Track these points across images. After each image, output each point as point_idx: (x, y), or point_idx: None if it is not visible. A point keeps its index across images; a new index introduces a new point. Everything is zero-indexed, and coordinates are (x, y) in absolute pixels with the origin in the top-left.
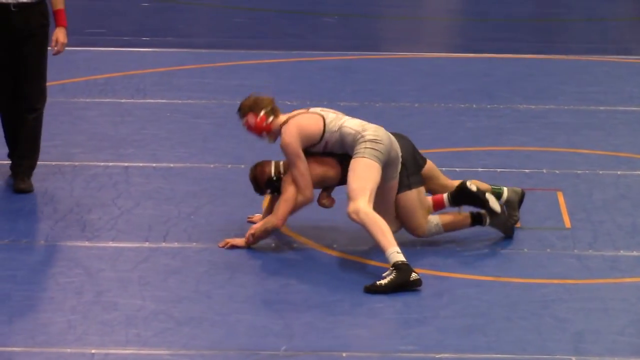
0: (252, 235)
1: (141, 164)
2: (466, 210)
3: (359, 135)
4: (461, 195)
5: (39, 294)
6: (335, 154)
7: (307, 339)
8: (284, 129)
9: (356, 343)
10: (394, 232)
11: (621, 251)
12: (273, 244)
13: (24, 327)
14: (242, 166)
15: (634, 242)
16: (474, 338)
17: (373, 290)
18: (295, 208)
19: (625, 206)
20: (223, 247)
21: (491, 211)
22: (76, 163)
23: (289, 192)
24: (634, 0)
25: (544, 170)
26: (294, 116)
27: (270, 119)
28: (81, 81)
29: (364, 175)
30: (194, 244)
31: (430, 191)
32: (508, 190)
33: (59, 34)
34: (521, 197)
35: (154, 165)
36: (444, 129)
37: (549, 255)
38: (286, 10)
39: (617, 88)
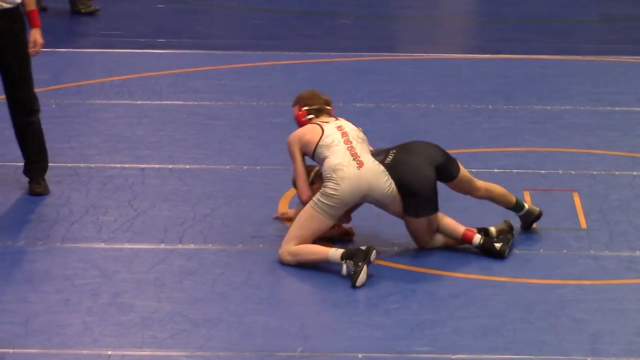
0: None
1: (157, 166)
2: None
3: (327, 177)
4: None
5: (55, 295)
6: None
7: (322, 340)
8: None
9: (372, 344)
10: (437, 244)
11: (637, 252)
12: None
13: (40, 329)
14: (258, 167)
15: None
16: (490, 339)
17: (353, 284)
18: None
19: None
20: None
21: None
22: (92, 165)
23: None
24: None
25: (560, 171)
26: (314, 121)
27: (310, 117)
28: (97, 83)
29: (303, 224)
30: (210, 245)
31: (463, 192)
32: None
33: (36, 35)
34: (536, 217)
35: (170, 166)
36: (460, 130)
37: (565, 256)
38: (303, 12)
39: (634, 88)
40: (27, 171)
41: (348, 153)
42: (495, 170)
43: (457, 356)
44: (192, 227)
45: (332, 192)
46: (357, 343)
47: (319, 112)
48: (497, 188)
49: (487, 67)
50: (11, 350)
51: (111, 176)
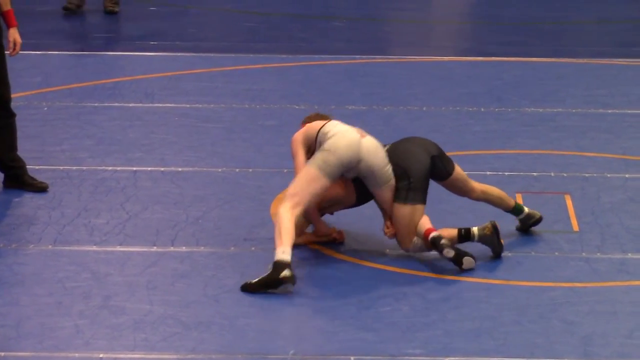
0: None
1: (149, 168)
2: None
3: (327, 138)
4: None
5: (47, 298)
6: (355, 179)
7: (314, 342)
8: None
9: (363, 347)
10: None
11: (629, 254)
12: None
13: (32, 332)
14: (250, 170)
15: None
16: (481, 341)
17: (244, 288)
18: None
19: (633, 209)
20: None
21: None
22: (84, 167)
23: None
24: None
25: (552, 174)
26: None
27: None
28: (89, 85)
29: (299, 183)
30: (202, 248)
31: (459, 193)
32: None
33: (15, 35)
34: (536, 221)
35: (162, 169)
36: (453, 132)
37: (557, 258)
38: (295, 15)
39: (625, 91)
40: (13, 174)
41: (353, 129)
42: (488, 173)
43: (449, 359)
44: (184, 229)
45: (330, 148)
46: (348, 346)
47: (311, 119)
48: (494, 190)
49: (479, 70)
50: (2, 354)
51: (103, 179)
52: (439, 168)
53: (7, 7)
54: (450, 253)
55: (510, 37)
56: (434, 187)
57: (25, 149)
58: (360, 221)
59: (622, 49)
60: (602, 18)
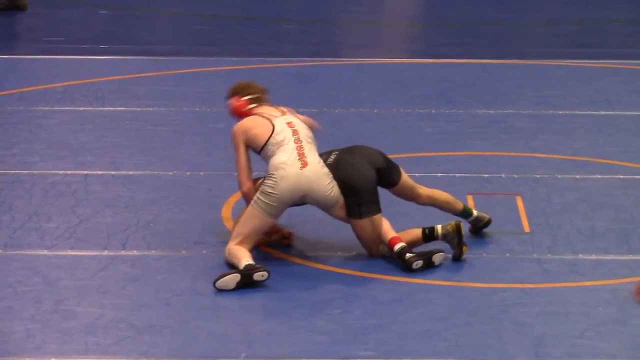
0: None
1: (100, 172)
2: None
3: (268, 175)
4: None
5: None
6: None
7: (266, 345)
8: (242, 120)
9: (316, 349)
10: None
11: (580, 255)
12: None
13: None
14: (201, 173)
15: (593, 246)
16: (434, 343)
17: (219, 280)
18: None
19: (584, 210)
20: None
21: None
22: (35, 171)
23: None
24: (591, 5)
25: (503, 175)
26: (259, 113)
27: (252, 106)
28: (40, 89)
29: (244, 222)
30: (153, 251)
31: (406, 199)
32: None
33: None
34: (485, 224)
35: (113, 173)
36: (403, 134)
37: (508, 259)
38: (245, 17)
39: (576, 92)
40: None
41: (295, 152)
42: (439, 175)
43: None
44: (135, 233)
45: (270, 191)
46: (301, 348)
47: (260, 101)
48: (441, 195)
49: (430, 72)
50: None
51: (54, 183)
52: (385, 179)
53: None
54: (419, 264)
55: (461, 39)
56: (382, 191)
57: None
58: (311, 222)
59: (571, 50)
60: (551, 20)
